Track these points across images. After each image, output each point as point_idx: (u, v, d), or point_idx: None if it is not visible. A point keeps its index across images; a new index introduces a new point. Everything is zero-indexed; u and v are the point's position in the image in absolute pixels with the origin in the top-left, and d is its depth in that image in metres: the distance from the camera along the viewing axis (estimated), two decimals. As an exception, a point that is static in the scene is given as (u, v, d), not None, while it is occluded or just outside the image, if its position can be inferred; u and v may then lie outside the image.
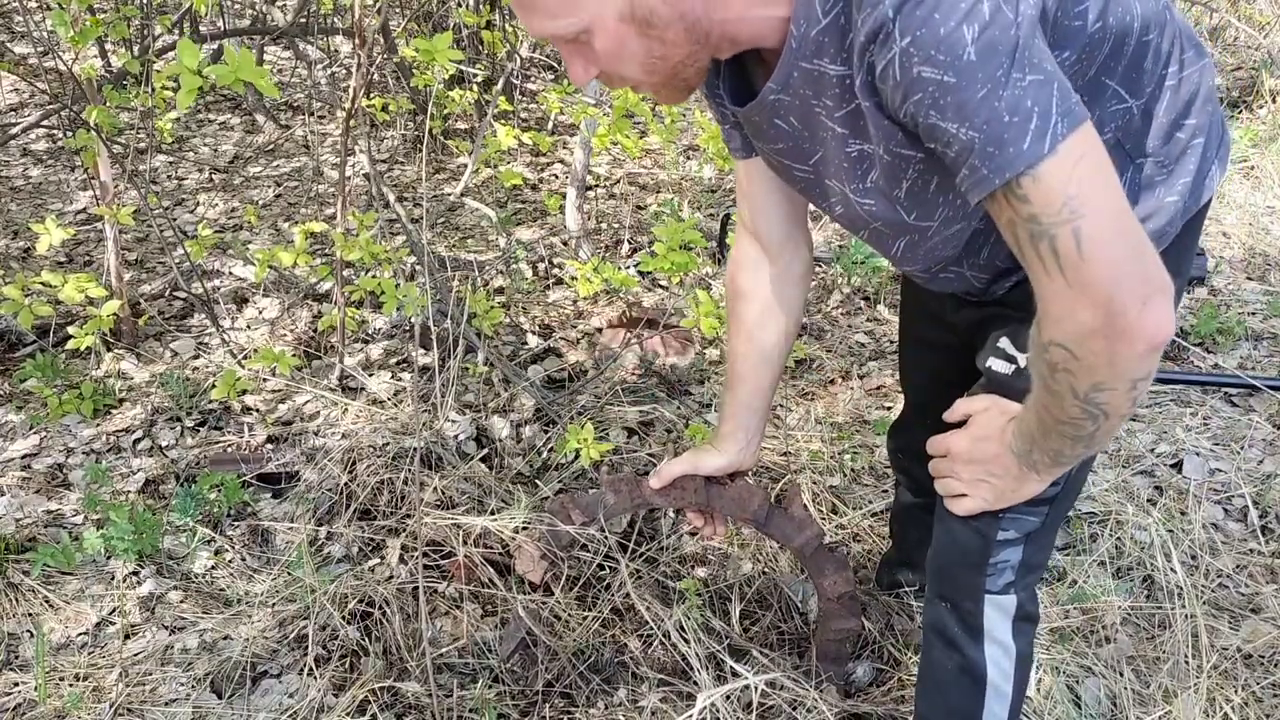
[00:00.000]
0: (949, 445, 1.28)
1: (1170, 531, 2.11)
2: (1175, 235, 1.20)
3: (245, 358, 2.70)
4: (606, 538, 2.12)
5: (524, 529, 1.95)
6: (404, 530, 2.11)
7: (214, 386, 2.46)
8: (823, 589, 1.71)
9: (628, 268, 3.24)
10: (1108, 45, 1.06)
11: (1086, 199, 0.91)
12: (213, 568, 2.08)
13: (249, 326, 2.98)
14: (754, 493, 1.63)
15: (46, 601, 1.96)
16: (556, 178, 4.09)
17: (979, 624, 1.36)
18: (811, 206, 1.38)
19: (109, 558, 2.03)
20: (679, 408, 2.59)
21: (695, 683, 1.74)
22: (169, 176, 4.02)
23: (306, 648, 1.81)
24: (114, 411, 2.57)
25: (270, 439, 2.47)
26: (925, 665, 1.48)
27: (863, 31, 0.95)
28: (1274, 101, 4.54)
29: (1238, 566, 2.08)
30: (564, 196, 3.40)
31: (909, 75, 0.92)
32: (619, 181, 4.04)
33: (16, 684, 1.78)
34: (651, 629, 1.86)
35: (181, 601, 1.98)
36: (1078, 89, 1.05)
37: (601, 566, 2.03)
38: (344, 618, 1.87)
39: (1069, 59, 1.04)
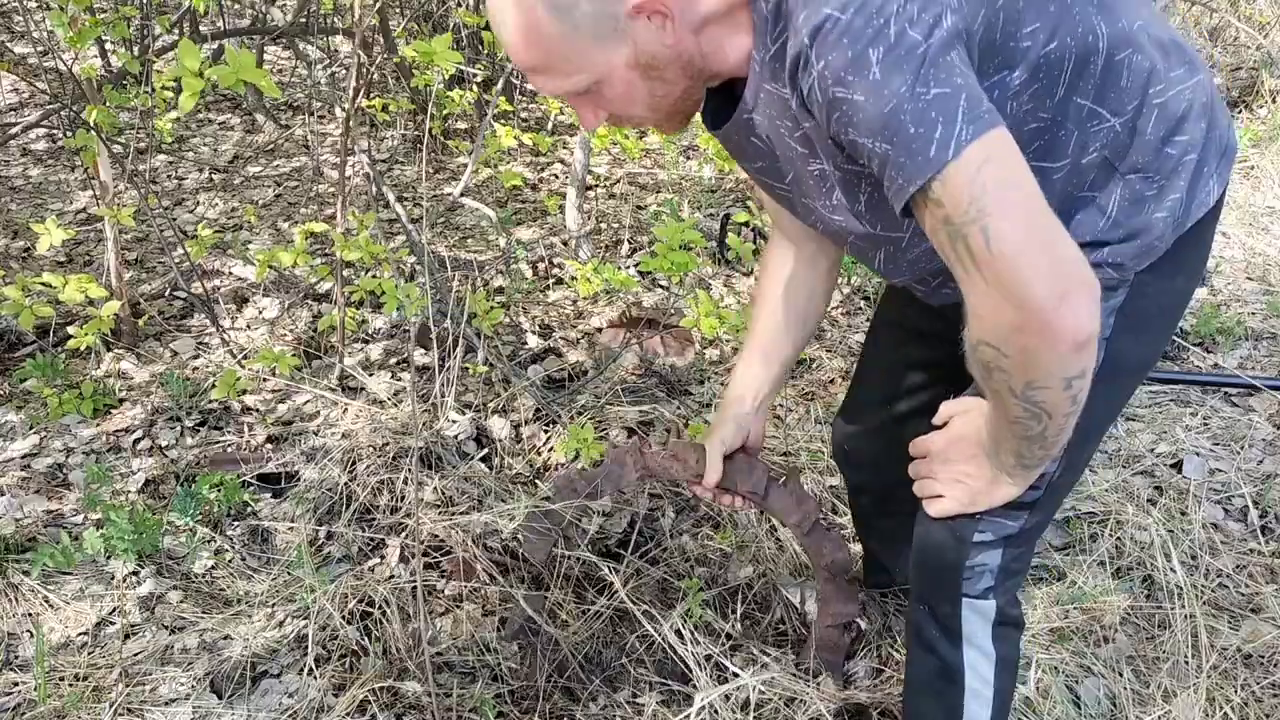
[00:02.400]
0: (928, 446, 1.29)
1: (1170, 531, 2.10)
2: (1167, 249, 1.19)
3: (245, 358, 2.70)
4: (608, 535, 2.12)
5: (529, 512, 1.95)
6: (404, 530, 2.11)
7: (214, 386, 2.46)
8: (820, 568, 1.71)
9: (628, 268, 3.24)
10: (1069, 65, 1.08)
11: (993, 200, 0.94)
12: (213, 568, 2.08)
13: (249, 326, 2.98)
14: (755, 465, 1.65)
15: (46, 601, 1.96)
16: (556, 178, 4.09)
17: (956, 627, 1.37)
18: None
19: (109, 558, 2.03)
20: (679, 408, 2.59)
21: (694, 683, 1.74)
22: (169, 176, 4.02)
23: (306, 648, 1.81)
24: (114, 411, 2.57)
25: (270, 439, 2.47)
26: (908, 666, 1.50)
27: (789, 59, 1.03)
28: (1274, 101, 4.55)
29: (1238, 566, 2.08)
30: (564, 196, 3.40)
31: (827, 96, 1.00)
32: (619, 181, 4.04)
33: (16, 684, 1.78)
34: (650, 631, 1.86)
35: (181, 601, 1.98)
36: (1047, 109, 1.10)
37: (600, 566, 2.03)
38: (344, 618, 1.87)
39: (1020, 78, 1.07)
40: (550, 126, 4.25)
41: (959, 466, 1.25)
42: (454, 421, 2.44)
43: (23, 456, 2.41)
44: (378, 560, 2.07)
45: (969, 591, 1.35)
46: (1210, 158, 1.20)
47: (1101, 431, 1.35)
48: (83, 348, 2.29)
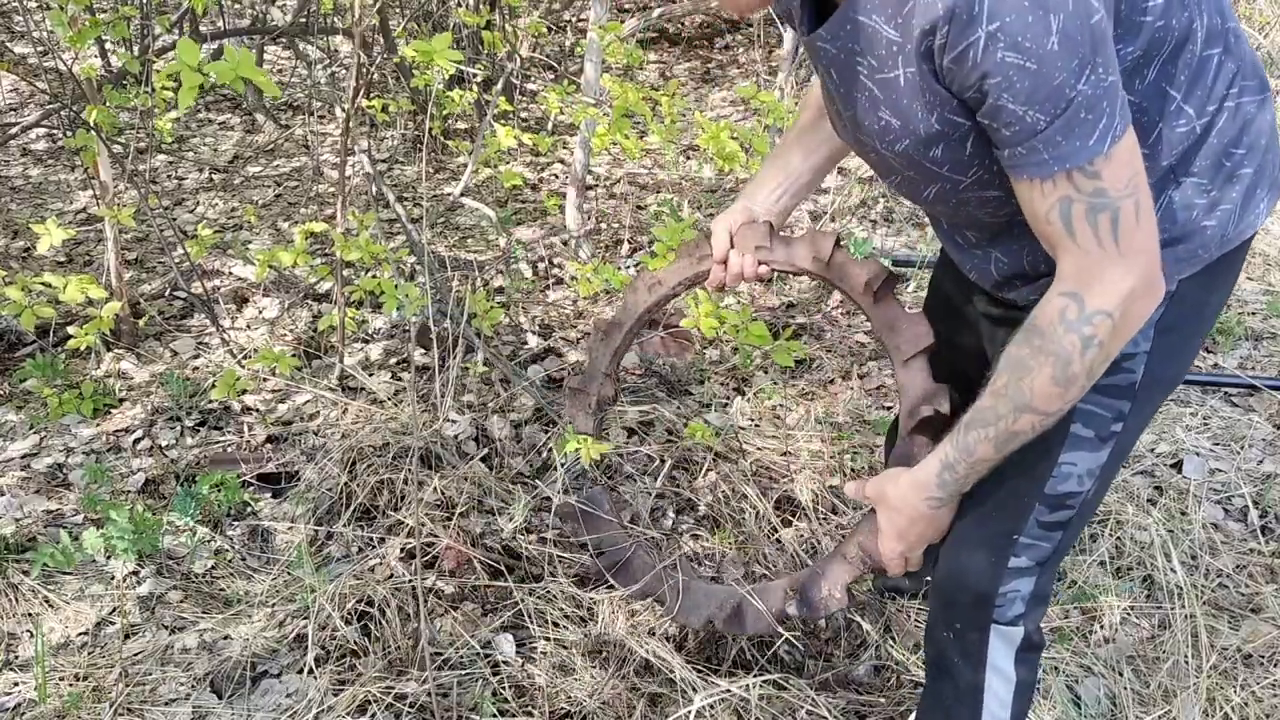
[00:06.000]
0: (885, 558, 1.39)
1: (1170, 531, 2.10)
2: (1211, 261, 1.19)
3: (245, 358, 2.70)
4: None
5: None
6: (404, 530, 2.11)
7: (214, 386, 2.46)
8: (900, 351, 1.47)
9: (628, 268, 3.24)
10: (1168, 47, 1.08)
11: (1141, 178, 1.04)
12: (213, 568, 2.08)
13: (249, 326, 2.98)
14: (822, 237, 1.53)
15: (46, 601, 1.96)
16: (556, 178, 4.09)
17: (981, 652, 1.36)
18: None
19: (109, 558, 2.03)
20: (679, 408, 2.59)
21: (693, 684, 1.74)
22: (169, 176, 4.02)
23: (306, 648, 1.81)
24: (114, 411, 2.57)
25: (270, 439, 2.47)
26: (926, 687, 1.49)
27: (937, 5, 0.97)
28: (1274, 101, 4.54)
29: (1238, 566, 2.08)
30: (564, 196, 3.40)
31: (991, 59, 0.96)
32: (619, 181, 4.04)
33: (16, 684, 1.78)
34: (652, 628, 1.86)
35: (181, 601, 1.98)
36: (1135, 91, 1.09)
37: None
38: (344, 618, 1.87)
39: (1133, 54, 1.06)
40: (550, 126, 4.25)
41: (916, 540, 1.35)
42: (454, 421, 2.44)
43: (23, 456, 2.41)
44: (378, 560, 2.07)
45: (999, 619, 1.33)
46: (1265, 177, 1.20)
47: (1131, 448, 1.33)
48: (83, 348, 2.29)
